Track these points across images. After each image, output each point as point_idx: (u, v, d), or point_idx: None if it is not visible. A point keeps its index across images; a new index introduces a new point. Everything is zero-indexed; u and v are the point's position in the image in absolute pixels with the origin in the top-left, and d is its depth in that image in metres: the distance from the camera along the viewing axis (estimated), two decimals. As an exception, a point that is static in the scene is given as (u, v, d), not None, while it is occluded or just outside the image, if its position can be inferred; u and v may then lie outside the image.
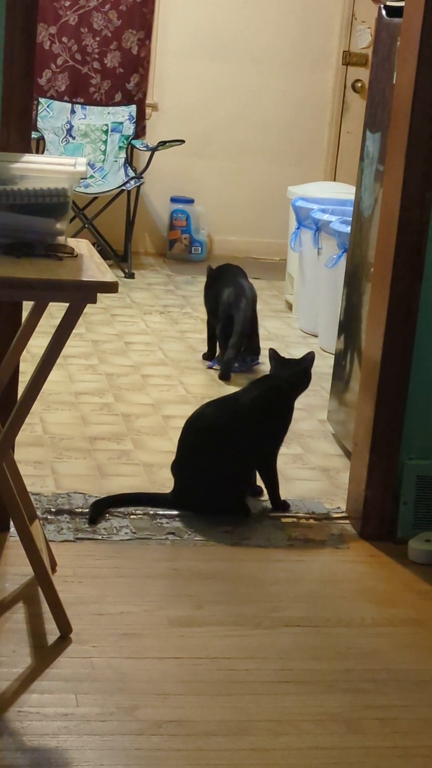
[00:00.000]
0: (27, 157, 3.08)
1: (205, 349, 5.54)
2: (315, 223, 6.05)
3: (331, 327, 5.40)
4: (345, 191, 6.61)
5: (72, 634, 2.90)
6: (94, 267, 2.75)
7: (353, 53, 7.96)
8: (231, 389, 4.16)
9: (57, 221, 2.82)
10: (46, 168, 2.97)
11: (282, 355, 3.90)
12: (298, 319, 6.42)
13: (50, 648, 2.85)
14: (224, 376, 5.21)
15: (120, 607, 3.07)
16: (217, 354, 5.45)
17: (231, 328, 5.31)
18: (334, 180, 7.94)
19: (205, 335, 5.61)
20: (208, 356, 5.52)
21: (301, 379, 3.80)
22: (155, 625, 3.00)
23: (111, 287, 2.62)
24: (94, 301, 2.64)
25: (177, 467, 3.76)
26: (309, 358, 3.80)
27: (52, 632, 2.90)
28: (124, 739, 2.51)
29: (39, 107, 7.45)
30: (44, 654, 2.82)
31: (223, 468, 3.67)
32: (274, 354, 3.85)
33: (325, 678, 2.83)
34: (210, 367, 5.41)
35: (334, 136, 8.11)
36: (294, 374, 3.79)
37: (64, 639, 2.88)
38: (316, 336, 6.04)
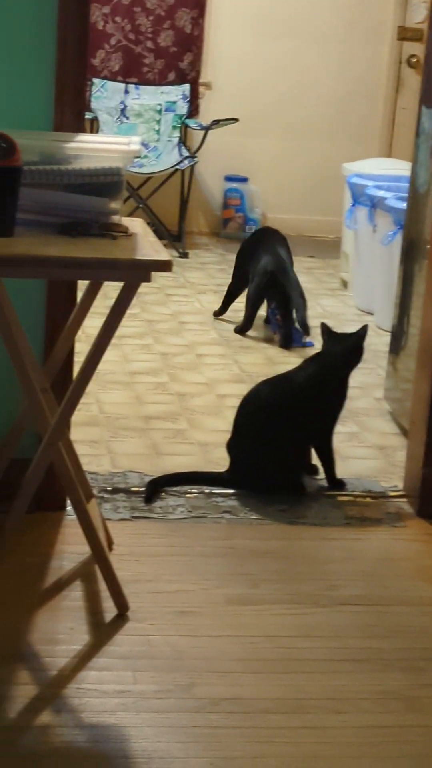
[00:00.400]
0: (81, 136, 3.08)
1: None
2: (370, 200, 6.01)
3: (387, 304, 5.37)
4: (400, 167, 6.56)
5: (129, 612, 2.91)
6: (149, 246, 2.74)
7: (408, 28, 7.87)
8: (282, 366, 4.14)
9: (111, 200, 2.82)
10: (100, 147, 2.97)
11: (334, 330, 3.87)
12: (354, 297, 6.39)
13: (108, 625, 2.86)
14: (304, 328, 5.39)
15: (176, 585, 3.08)
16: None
17: (266, 293, 5.50)
18: (390, 156, 7.88)
19: (258, 314, 5.61)
20: (219, 313, 5.82)
21: (354, 354, 3.78)
22: (212, 603, 3.01)
23: (165, 266, 2.62)
24: (149, 280, 2.64)
25: (232, 446, 3.76)
26: (362, 333, 3.78)
27: (110, 610, 2.91)
28: (182, 717, 2.51)
29: (92, 88, 7.46)
30: (102, 631, 2.83)
31: (278, 446, 3.66)
32: (326, 329, 3.83)
33: (382, 656, 2.82)
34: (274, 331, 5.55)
35: (389, 112, 8.05)
36: (347, 349, 3.76)
37: (122, 617, 2.90)
38: (372, 314, 6.01)
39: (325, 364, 3.76)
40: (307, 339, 5.46)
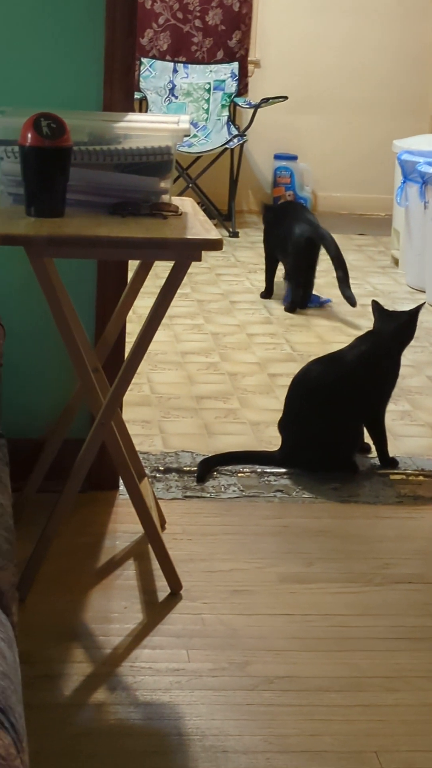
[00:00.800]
0: (130, 116, 3.08)
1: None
2: (421, 177, 5.96)
3: (438, 282, 5.33)
4: (451, 143, 6.50)
5: (182, 591, 2.92)
6: (199, 225, 2.74)
7: (458, 2, 7.80)
8: (334, 344, 4.12)
9: (161, 180, 2.81)
10: (149, 126, 2.96)
11: (385, 307, 3.84)
12: (405, 274, 6.35)
13: (161, 604, 2.87)
14: (350, 300, 5.47)
15: (230, 564, 3.08)
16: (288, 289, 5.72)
17: (307, 261, 5.58)
18: (440, 133, 7.81)
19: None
20: (266, 294, 5.82)
21: (406, 332, 3.75)
22: (265, 581, 3.01)
23: (216, 244, 2.61)
24: (199, 259, 2.64)
25: (284, 425, 3.75)
26: (415, 311, 3.75)
27: (163, 589, 2.92)
28: (236, 695, 2.52)
29: (141, 67, 7.45)
30: (155, 610, 2.84)
31: (330, 425, 3.65)
32: (376, 306, 3.81)
33: (437, 635, 2.81)
34: (287, 301, 5.68)
35: (440, 87, 7.98)
36: (399, 327, 3.74)
37: (175, 595, 2.90)
38: (424, 291, 5.97)
39: (376, 342, 3.74)
40: (324, 297, 5.66)
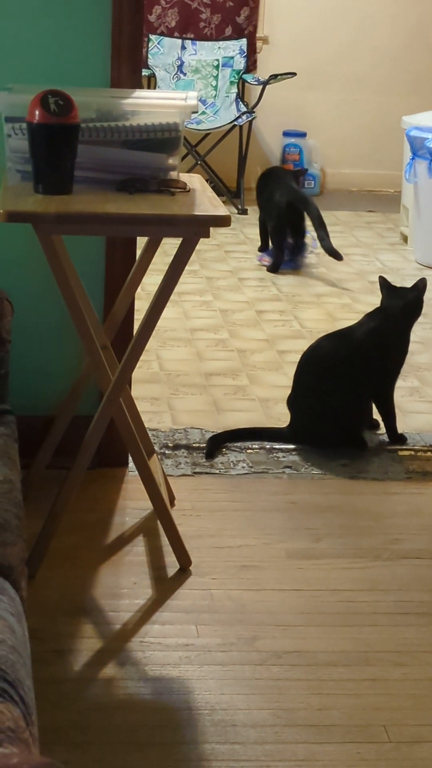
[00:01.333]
0: (138, 92, 3.08)
1: None
2: (430, 153, 5.95)
3: (447, 258, 5.32)
4: (460, 119, 6.48)
5: (191, 567, 2.93)
6: (207, 201, 2.74)
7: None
8: (343, 321, 4.10)
9: (169, 156, 2.82)
10: (157, 103, 2.96)
11: (393, 284, 3.83)
12: (414, 251, 6.34)
13: (170, 580, 2.89)
14: (335, 255, 5.80)
15: (238, 540, 3.09)
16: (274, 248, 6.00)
17: (288, 224, 5.88)
18: (449, 108, 7.78)
19: (317, 270, 5.59)
20: (262, 248, 6.14)
21: (414, 308, 3.75)
22: (274, 557, 3.02)
23: (224, 221, 2.61)
24: (207, 236, 2.64)
25: (293, 401, 3.75)
26: (421, 286, 3.75)
27: (172, 565, 2.94)
28: (245, 669, 2.53)
29: (149, 44, 7.42)
30: (165, 586, 2.86)
31: (339, 402, 3.65)
32: (384, 283, 3.80)
33: (445, 610, 2.82)
34: (260, 260, 6.03)
35: (449, 63, 7.95)
36: (407, 303, 3.73)
37: (184, 571, 2.92)
38: (433, 268, 5.96)
39: (385, 318, 3.74)
40: (310, 251, 6.03)
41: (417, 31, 7.90)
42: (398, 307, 3.73)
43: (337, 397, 3.65)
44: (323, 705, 2.42)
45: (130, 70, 3.24)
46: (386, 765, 2.25)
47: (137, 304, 3.38)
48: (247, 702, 2.42)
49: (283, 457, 3.61)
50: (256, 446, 3.66)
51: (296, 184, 6.09)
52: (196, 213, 2.66)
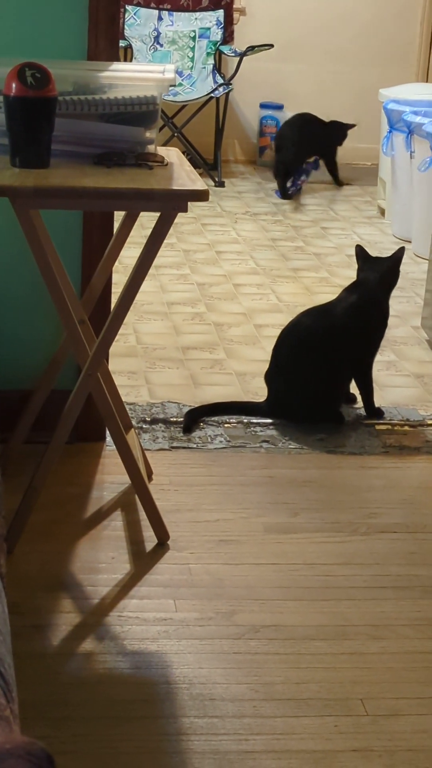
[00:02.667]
0: (115, 65, 3.06)
1: None
2: (407, 126, 5.94)
3: (425, 232, 5.32)
4: (438, 92, 6.47)
5: (169, 541, 2.93)
6: (185, 175, 2.73)
7: None
8: (320, 295, 4.10)
9: (147, 130, 2.80)
10: (134, 76, 2.94)
11: (370, 254, 3.83)
12: (391, 224, 6.34)
13: (148, 554, 2.89)
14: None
15: (216, 515, 3.10)
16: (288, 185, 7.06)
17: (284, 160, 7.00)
18: (427, 81, 7.77)
19: (295, 244, 5.59)
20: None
21: (391, 277, 3.75)
22: (251, 531, 3.03)
23: (202, 195, 2.60)
24: (185, 210, 2.63)
25: (272, 376, 3.76)
26: (398, 255, 3.75)
27: (150, 539, 2.94)
28: (223, 643, 2.54)
29: (126, 15, 7.37)
30: (143, 560, 2.86)
31: (318, 376, 3.66)
32: (361, 252, 3.80)
33: (422, 583, 2.83)
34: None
35: (426, 36, 7.92)
36: (384, 274, 3.73)
37: (162, 546, 2.92)
38: (410, 241, 5.96)
39: (363, 292, 3.74)
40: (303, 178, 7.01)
41: (395, 3, 7.87)
42: (375, 279, 3.73)
43: (316, 372, 3.65)
44: (301, 679, 2.43)
45: (108, 41, 3.22)
46: (364, 738, 2.27)
47: (115, 278, 3.37)
48: (226, 676, 2.43)
49: (261, 431, 3.61)
50: (234, 420, 3.67)
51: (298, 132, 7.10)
52: (174, 187, 2.64)
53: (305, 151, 7.13)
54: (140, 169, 2.72)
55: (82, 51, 3.18)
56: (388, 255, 3.78)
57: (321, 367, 3.65)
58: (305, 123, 7.14)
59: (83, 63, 3.13)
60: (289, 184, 7.03)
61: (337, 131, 7.21)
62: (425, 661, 2.53)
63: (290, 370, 3.69)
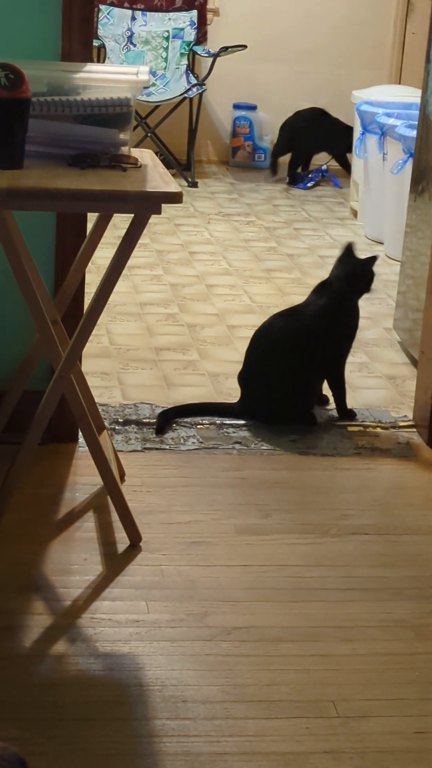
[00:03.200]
0: (89, 66, 3.06)
1: None
2: (380, 128, 5.96)
3: (397, 233, 5.34)
4: (411, 94, 6.49)
5: (142, 543, 2.94)
6: (158, 177, 2.73)
7: None
8: (293, 296, 4.11)
9: (120, 131, 2.80)
10: (108, 78, 2.94)
11: (354, 254, 3.81)
12: (364, 226, 6.36)
13: (120, 556, 2.89)
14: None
15: (188, 516, 3.10)
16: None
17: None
18: (400, 83, 7.79)
19: (268, 244, 5.60)
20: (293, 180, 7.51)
21: (357, 279, 3.73)
22: (223, 533, 3.04)
23: (175, 197, 2.61)
24: (159, 212, 2.63)
25: (244, 377, 3.76)
26: (369, 260, 3.74)
27: (122, 541, 2.94)
28: (194, 645, 2.55)
29: (99, 14, 7.36)
30: (115, 562, 2.86)
31: (291, 378, 3.67)
32: (346, 249, 3.77)
33: (392, 585, 2.85)
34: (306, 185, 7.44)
35: (399, 38, 7.94)
36: (352, 276, 3.72)
37: (134, 547, 2.93)
38: (382, 243, 5.98)
39: (333, 292, 3.74)
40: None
41: (368, 5, 7.89)
42: (343, 279, 3.73)
43: (289, 374, 3.67)
44: (271, 680, 2.44)
45: (82, 42, 3.22)
46: (334, 739, 2.28)
47: (88, 279, 3.37)
48: (197, 678, 2.44)
49: (233, 432, 3.62)
50: (207, 422, 3.67)
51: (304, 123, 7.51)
52: (148, 189, 2.65)
53: (314, 144, 7.56)
54: (114, 170, 2.72)
55: (56, 52, 3.18)
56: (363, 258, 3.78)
57: (293, 369, 3.66)
58: (317, 116, 7.51)
59: (57, 64, 3.13)
60: (299, 170, 7.52)
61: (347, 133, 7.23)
62: (395, 663, 2.54)
63: (263, 372, 3.70)
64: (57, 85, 2.79)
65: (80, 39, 3.20)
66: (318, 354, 3.69)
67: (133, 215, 2.67)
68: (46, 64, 3.07)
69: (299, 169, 7.55)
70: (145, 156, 2.91)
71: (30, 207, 2.74)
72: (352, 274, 3.73)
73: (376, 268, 3.76)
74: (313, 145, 7.57)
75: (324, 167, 7.52)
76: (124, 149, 2.80)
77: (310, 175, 7.54)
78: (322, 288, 3.80)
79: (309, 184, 7.46)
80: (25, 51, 3.15)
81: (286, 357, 3.67)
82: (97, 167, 2.72)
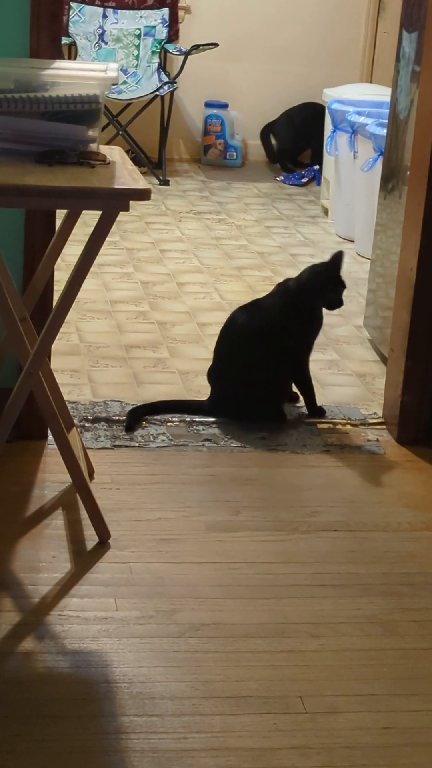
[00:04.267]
0: (58, 63, 3.05)
1: None
2: (351, 126, 5.97)
3: (367, 232, 5.36)
4: (381, 93, 6.50)
5: (110, 540, 2.93)
6: (127, 174, 2.73)
7: None
8: (263, 293, 4.11)
9: (89, 128, 2.79)
10: (77, 74, 2.94)
11: (336, 264, 3.77)
12: (335, 224, 6.37)
13: (89, 553, 2.89)
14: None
15: (157, 513, 3.10)
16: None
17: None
18: (371, 82, 7.81)
19: (239, 242, 5.62)
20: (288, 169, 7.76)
21: (325, 280, 3.73)
22: (193, 530, 3.03)
23: (143, 194, 2.61)
24: (127, 209, 2.63)
25: (213, 374, 3.76)
26: (335, 260, 3.74)
27: (91, 538, 2.94)
28: (163, 642, 2.55)
29: (70, 12, 7.35)
30: (83, 559, 2.86)
31: (258, 374, 3.67)
32: (331, 258, 3.77)
33: (361, 581, 2.85)
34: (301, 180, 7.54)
35: (371, 36, 7.96)
36: (318, 275, 3.72)
37: (103, 545, 2.92)
38: (353, 241, 5.99)
39: (288, 287, 3.75)
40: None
41: (340, 4, 7.91)
42: (303, 276, 3.74)
43: (255, 370, 3.67)
44: (240, 677, 2.44)
45: (50, 38, 3.21)
46: (302, 735, 2.28)
47: (57, 276, 3.36)
48: (165, 674, 2.43)
49: (203, 430, 3.62)
50: (176, 419, 3.67)
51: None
52: (116, 186, 2.64)
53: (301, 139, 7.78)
54: (82, 167, 2.72)
55: (24, 48, 3.17)
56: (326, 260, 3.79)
57: (258, 365, 3.66)
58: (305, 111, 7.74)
59: (25, 60, 3.12)
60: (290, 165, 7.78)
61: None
62: (363, 659, 2.55)
63: (230, 368, 3.70)
64: (25, 81, 2.79)
65: (48, 35, 3.19)
66: (279, 350, 3.68)
67: (101, 212, 2.66)
68: (14, 60, 3.06)
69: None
70: (114, 153, 2.91)
71: (-3, 203, 2.74)
72: (312, 278, 3.72)
73: (347, 266, 3.77)
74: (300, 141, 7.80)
75: (316, 167, 7.48)
76: (93, 146, 2.80)
77: (303, 172, 7.57)
78: (282, 284, 3.80)
79: (303, 180, 7.51)
80: (-7, 47, 3.14)
81: (250, 353, 3.66)
82: (65, 164, 2.72)
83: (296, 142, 7.82)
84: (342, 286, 3.72)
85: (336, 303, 3.73)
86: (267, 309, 3.73)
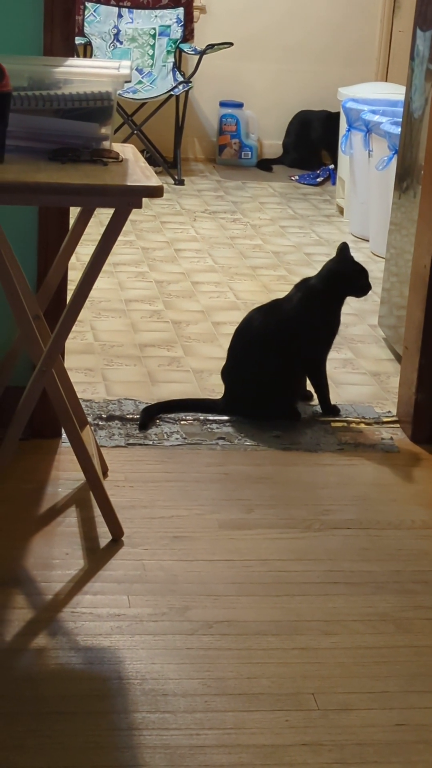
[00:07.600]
0: (70, 61, 3.06)
1: None
2: (365, 125, 5.96)
3: (382, 230, 5.35)
4: (396, 92, 6.50)
5: (124, 537, 2.94)
6: (139, 171, 2.73)
7: None
8: (277, 293, 4.11)
9: (101, 126, 2.80)
10: (89, 72, 2.94)
11: (346, 255, 3.79)
12: (350, 223, 6.36)
13: (102, 551, 2.89)
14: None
15: (171, 511, 3.10)
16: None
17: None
18: (386, 80, 7.80)
19: (254, 242, 5.61)
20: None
21: (342, 277, 3.73)
22: (206, 528, 3.04)
23: (156, 191, 2.61)
24: (140, 206, 2.63)
25: (227, 373, 3.76)
26: (343, 256, 3.75)
27: (104, 535, 2.94)
28: (176, 639, 2.55)
29: (85, 12, 7.36)
30: (97, 556, 2.86)
31: (272, 373, 3.67)
32: (338, 252, 3.78)
33: (374, 579, 2.85)
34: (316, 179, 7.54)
35: (386, 35, 7.95)
36: (334, 275, 3.73)
37: (116, 542, 2.92)
38: (368, 240, 5.99)
39: (308, 288, 3.75)
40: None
41: (355, 3, 7.90)
42: (322, 277, 3.74)
43: (270, 369, 3.67)
44: (252, 674, 2.44)
45: (63, 37, 3.21)
46: (314, 732, 2.28)
47: (71, 275, 3.36)
48: (178, 671, 2.44)
49: (217, 428, 3.62)
50: (190, 418, 3.67)
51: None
52: (129, 183, 2.65)
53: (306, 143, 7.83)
54: (95, 165, 2.72)
55: (38, 46, 3.17)
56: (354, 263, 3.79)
57: (274, 364, 3.66)
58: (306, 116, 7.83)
59: (38, 58, 3.12)
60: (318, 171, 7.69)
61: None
62: (375, 656, 2.54)
63: (245, 367, 3.70)
64: (38, 79, 2.79)
65: (62, 33, 3.19)
66: (296, 350, 3.68)
67: (114, 210, 2.66)
68: (27, 58, 3.07)
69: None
70: (127, 150, 2.91)
71: (10, 201, 2.74)
72: (335, 273, 3.74)
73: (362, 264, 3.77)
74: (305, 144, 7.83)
75: (331, 166, 7.49)
76: (105, 143, 2.80)
77: (319, 172, 7.57)
78: (302, 284, 3.80)
79: (318, 180, 7.51)
80: (6, 45, 3.14)
81: (266, 352, 3.67)
82: (78, 161, 2.72)
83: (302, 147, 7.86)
84: (364, 270, 3.76)
85: (366, 287, 3.78)
86: (286, 309, 3.72)
